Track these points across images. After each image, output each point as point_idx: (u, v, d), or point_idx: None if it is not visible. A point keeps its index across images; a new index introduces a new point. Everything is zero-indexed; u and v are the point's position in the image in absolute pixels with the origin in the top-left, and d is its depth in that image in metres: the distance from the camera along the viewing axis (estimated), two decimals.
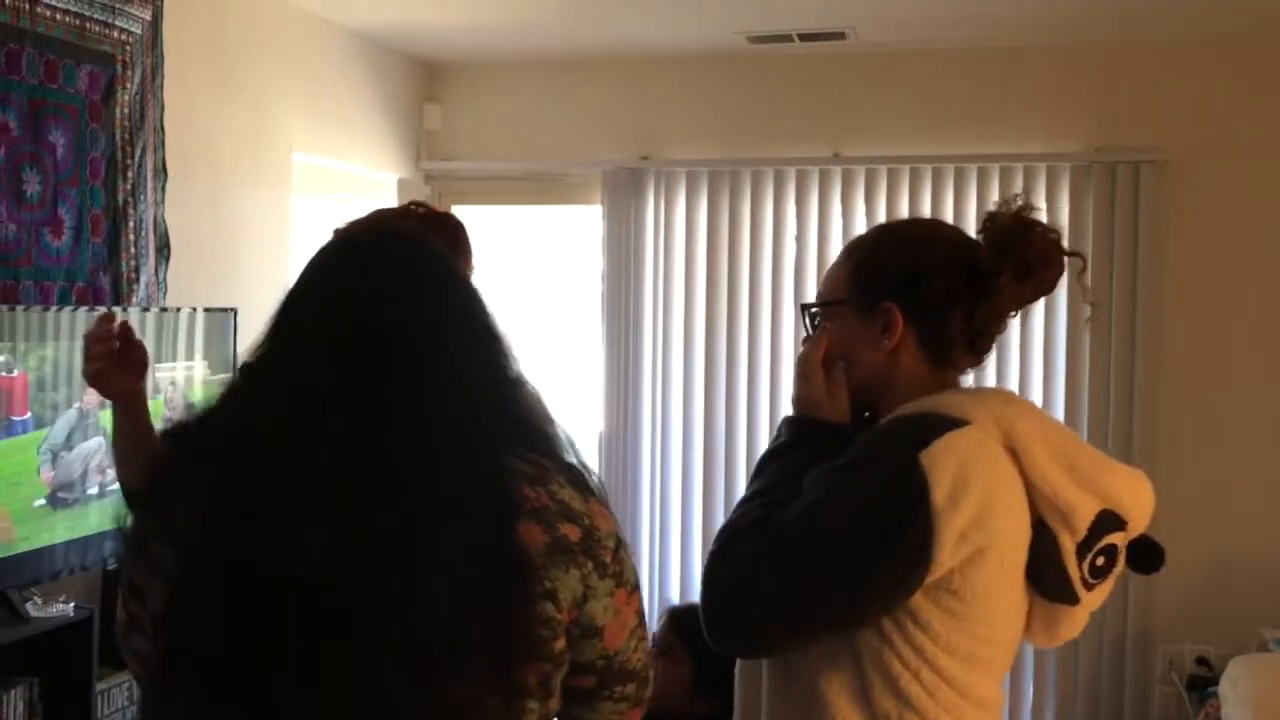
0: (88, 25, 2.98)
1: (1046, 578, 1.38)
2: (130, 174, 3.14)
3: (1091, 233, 4.17)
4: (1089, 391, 4.18)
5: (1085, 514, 1.35)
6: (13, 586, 2.62)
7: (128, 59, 3.12)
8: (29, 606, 2.65)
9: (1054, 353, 4.23)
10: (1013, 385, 4.25)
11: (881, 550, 1.29)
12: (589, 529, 1.22)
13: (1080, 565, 1.37)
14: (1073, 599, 1.40)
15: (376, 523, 1.15)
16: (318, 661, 1.14)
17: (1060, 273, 1.46)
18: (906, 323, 1.41)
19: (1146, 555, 1.43)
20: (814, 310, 1.50)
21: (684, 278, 4.49)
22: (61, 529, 2.72)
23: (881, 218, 4.32)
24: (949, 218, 4.29)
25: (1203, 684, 3.93)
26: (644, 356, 4.52)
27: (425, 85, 4.76)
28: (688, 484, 4.51)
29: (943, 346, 1.43)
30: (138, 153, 3.17)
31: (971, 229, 4.61)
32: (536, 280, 4.88)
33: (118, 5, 3.07)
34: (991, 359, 4.74)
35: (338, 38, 4.18)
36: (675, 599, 4.48)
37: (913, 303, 1.41)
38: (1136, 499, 1.40)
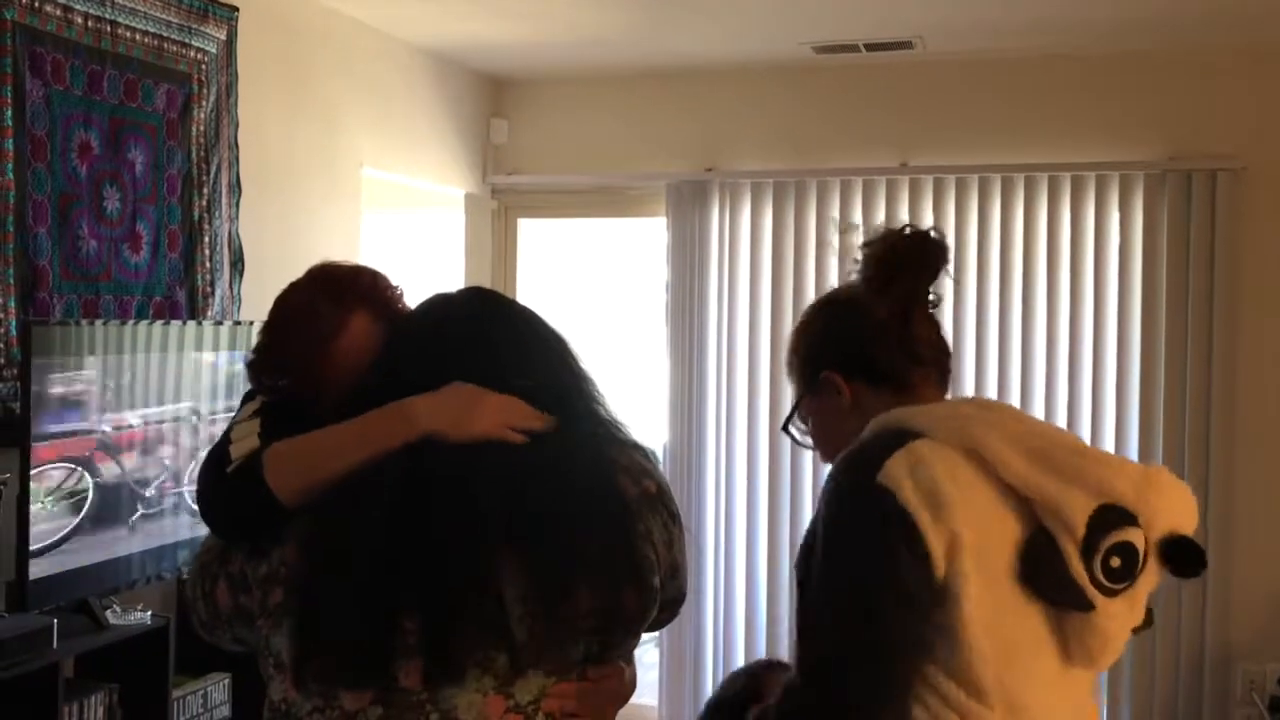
0: (165, 45, 3.05)
1: (1045, 580, 1.33)
2: (205, 190, 3.21)
3: (1166, 241, 4.09)
4: (1164, 402, 4.08)
5: (1076, 509, 1.31)
6: (93, 594, 2.68)
7: (203, 78, 3.19)
8: (108, 615, 2.72)
9: (1128, 364, 4.15)
10: (1085, 397, 4.18)
11: (890, 573, 1.30)
12: (660, 484, 1.50)
13: (1090, 567, 1.32)
14: (1083, 604, 1.33)
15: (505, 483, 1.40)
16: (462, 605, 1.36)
17: (935, 255, 1.50)
18: (846, 378, 1.49)
19: (1179, 555, 1.35)
20: (793, 422, 1.57)
21: (749, 289, 4.47)
22: (138, 539, 2.78)
23: (951, 227, 4.28)
24: (1018, 228, 4.24)
25: None
26: (709, 368, 4.51)
27: (492, 100, 4.81)
28: (753, 496, 4.49)
29: (891, 377, 1.48)
30: (213, 169, 3.24)
31: (1042, 240, 4.53)
32: (602, 292, 4.90)
33: (194, 25, 3.14)
34: (1063, 373, 4.62)
35: (406, 54, 4.24)
36: (740, 611, 4.46)
37: (839, 361, 1.50)
38: (1144, 493, 1.33)
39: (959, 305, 4.28)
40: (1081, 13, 3.73)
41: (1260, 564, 4.04)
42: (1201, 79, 4.11)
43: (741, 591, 4.49)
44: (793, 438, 1.59)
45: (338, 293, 1.57)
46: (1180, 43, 4.05)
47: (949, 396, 1.52)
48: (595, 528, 1.41)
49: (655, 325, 4.62)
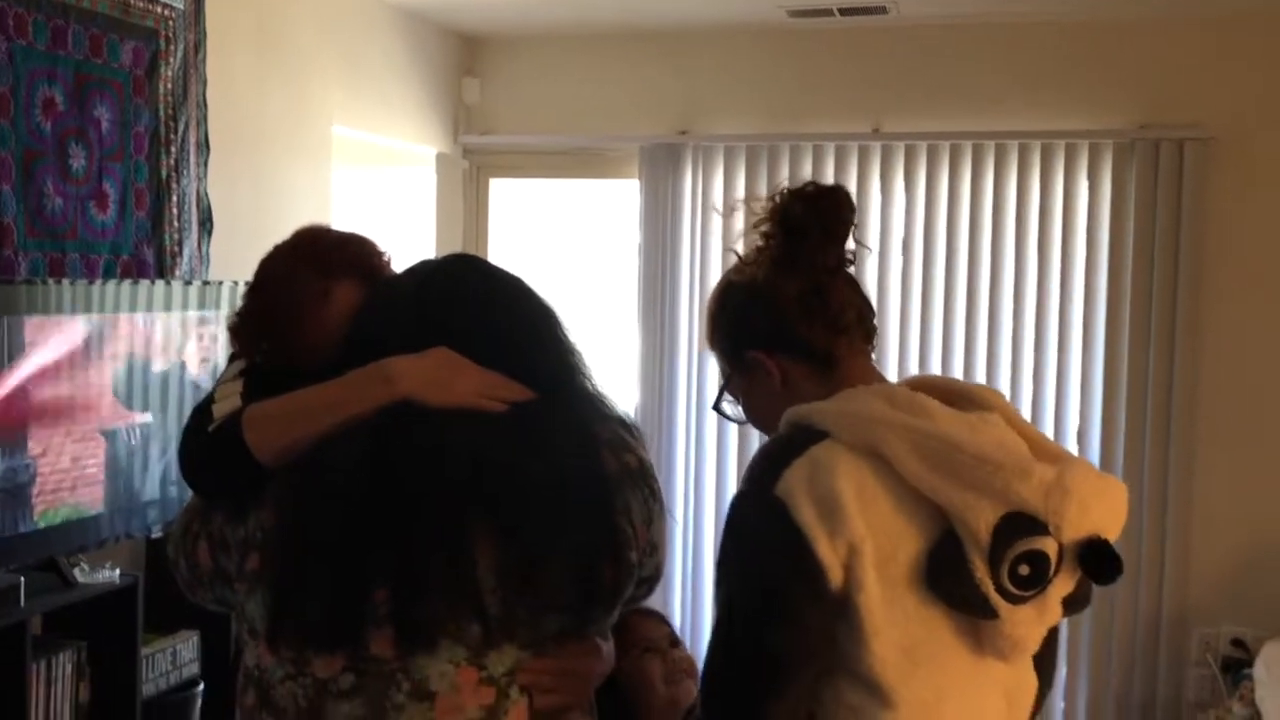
0: (132, 1, 3.01)
1: (949, 587, 1.30)
2: (173, 148, 3.18)
3: (1134, 211, 4.12)
4: (1128, 370, 4.14)
5: (980, 518, 1.27)
6: (60, 553, 2.68)
7: (171, 34, 3.15)
8: (76, 573, 2.72)
9: (1093, 332, 4.20)
10: (1050, 365, 4.23)
11: (778, 592, 1.30)
12: (642, 460, 1.49)
13: (996, 575, 1.28)
14: (988, 612, 1.30)
15: (488, 449, 1.40)
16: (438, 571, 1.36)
17: (837, 217, 1.44)
18: (773, 356, 1.45)
19: (1094, 561, 1.32)
20: (723, 400, 1.54)
21: (720, 254, 4.48)
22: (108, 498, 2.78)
23: (921, 195, 4.30)
24: (988, 196, 4.26)
25: (1238, 666, 3.91)
26: (680, 331, 4.53)
27: (464, 59, 4.77)
28: (722, 461, 4.52)
29: (814, 352, 1.44)
30: (181, 127, 3.21)
31: (1011, 208, 4.53)
32: (573, 254, 4.89)
33: None
34: (1029, 341, 4.67)
35: (377, 11, 4.20)
36: (707, 579, 4.50)
37: (761, 339, 1.45)
38: (1054, 501, 1.28)
39: (928, 274, 4.31)
40: None
41: (1221, 530, 4.11)
42: (1172, 48, 4.13)
43: (709, 558, 4.53)
44: (725, 416, 1.56)
45: (323, 262, 1.57)
46: (1152, 11, 4.06)
47: (888, 375, 1.49)
48: (573, 501, 1.41)
49: (627, 288, 4.63)
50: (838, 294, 1.44)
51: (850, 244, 1.47)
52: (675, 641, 2.10)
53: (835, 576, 1.29)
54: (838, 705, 1.33)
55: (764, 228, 1.47)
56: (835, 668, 1.33)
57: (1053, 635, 1.44)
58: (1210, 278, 4.09)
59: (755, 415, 1.52)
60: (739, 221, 4.41)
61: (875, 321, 1.49)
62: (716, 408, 1.56)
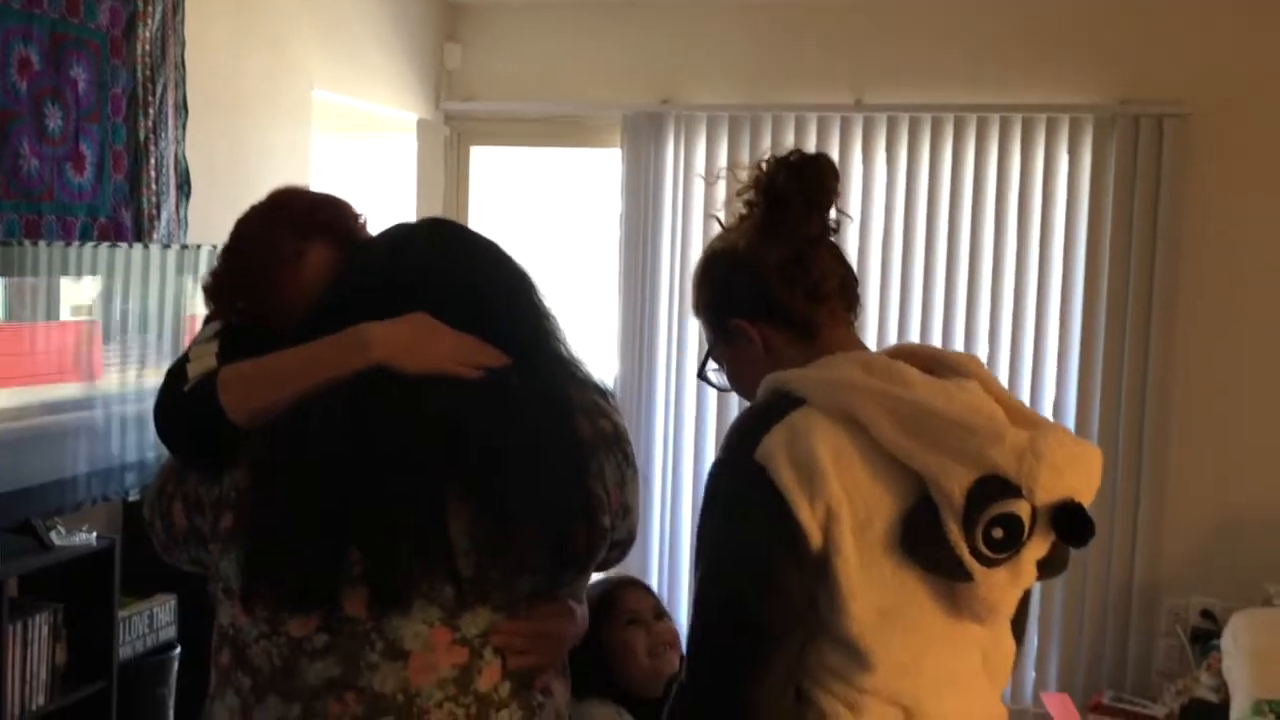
0: None
1: (924, 550, 1.32)
2: (151, 110, 3.15)
3: (1114, 184, 4.14)
4: (1105, 344, 4.17)
5: (954, 482, 1.29)
6: (37, 515, 2.67)
7: None
8: (53, 535, 2.71)
9: (1071, 304, 4.23)
10: (1028, 337, 4.26)
11: (761, 556, 1.31)
12: (617, 425, 1.51)
13: (970, 537, 1.30)
14: (962, 574, 1.32)
15: (463, 416, 1.41)
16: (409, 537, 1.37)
17: (820, 186, 1.45)
18: (756, 324, 1.46)
19: (1067, 524, 1.33)
20: (707, 368, 1.56)
21: (702, 224, 4.48)
22: (84, 459, 2.77)
23: (902, 168, 4.31)
24: (969, 170, 4.27)
25: (1206, 636, 3.97)
26: (660, 300, 4.53)
27: (446, 24, 4.74)
28: (701, 430, 4.54)
29: (796, 321, 1.45)
30: (159, 89, 3.18)
31: (991, 182, 4.51)
32: (554, 223, 4.88)
33: None
34: (1007, 313, 4.70)
35: None
36: (686, 544, 4.53)
37: (743, 309, 1.46)
38: (1027, 465, 1.30)
39: (908, 246, 4.33)
40: None
41: (1191, 502, 4.16)
42: (1153, 24, 4.14)
43: (687, 525, 4.56)
44: (710, 383, 1.57)
45: (298, 223, 1.56)
46: None
47: (868, 344, 1.50)
48: (547, 465, 1.42)
49: (608, 257, 4.63)
50: (820, 262, 1.45)
51: (834, 213, 1.48)
52: (660, 614, 2.12)
53: (815, 540, 1.31)
54: (820, 668, 1.35)
55: (747, 195, 1.47)
56: (817, 634, 1.34)
57: (1025, 596, 1.46)
58: (1187, 252, 4.12)
59: (738, 382, 1.53)
60: (721, 191, 4.42)
61: (859, 291, 1.50)
62: (701, 375, 1.57)
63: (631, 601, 2.07)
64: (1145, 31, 4.15)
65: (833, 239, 1.48)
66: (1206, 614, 4.07)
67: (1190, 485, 4.17)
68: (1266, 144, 4.08)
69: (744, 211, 1.48)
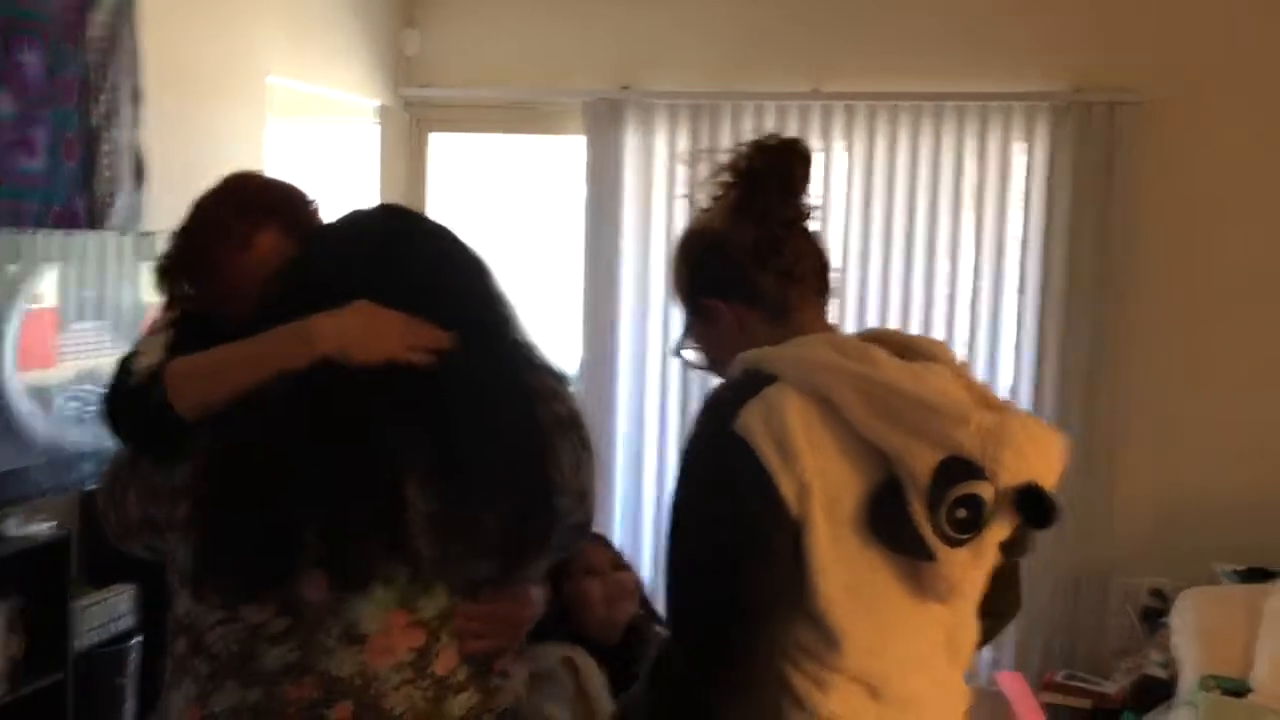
0: None
1: (889, 529, 1.35)
2: (104, 97, 3.12)
3: (1071, 172, 4.19)
4: (1059, 330, 4.23)
5: (919, 462, 1.32)
6: None
7: None
8: (8, 525, 2.69)
9: (1027, 291, 4.28)
10: (984, 324, 4.31)
11: (745, 525, 1.33)
12: (572, 410, 1.52)
13: (935, 518, 1.33)
14: (925, 553, 1.34)
15: (422, 400, 1.42)
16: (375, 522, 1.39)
17: (793, 170, 1.47)
18: (730, 303, 1.48)
19: (1030, 506, 1.36)
20: (685, 345, 1.57)
21: (665, 212, 4.49)
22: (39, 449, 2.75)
23: (860, 158, 4.34)
24: (925, 157, 4.31)
25: (1155, 615, 4.04)
26: (623, 287, 4.54)
27: (404, 9, 4.70)
28: (664, 413, 4.56)
29: (768, 302, 1.47)
30: (112, 75, 3.14)
31: (948, 169, 4.51)
32: (517, 210, 4.87)
33: None
34: (964, 294, 4.72)
35: None
36: (648, 529, 4.55)
37: (719, 287, 1.48)
38: (990, 447, 1.32)
39: (866, 233, 4.36)
40: None
41: (1143, 485, 4.24)
42: (1106, 12, 4.19)
43: (649, 511, 4.58)
44: (685, 361, 1.59)
45: (247, 206, 1.56)
46: None
47: (835, 324, 1.53)
48: (503, 449, 1.43)
49: (571, 244, 4.63)
50: (794, 245, 1.48)
51: (810, 198, 1.50)
52: (620, 565, 2.16)
53: (794, 511, 1.33)
54: (792, 646, 1.37)
55: (724, 176, 1.49)
56: (792, 610, 1.36)
57: (1012, 570, 1.51)
58: (1141, 238, 4.17)
59: (712, 360, 1.55)
60: (680, 177, 4.43)
61: (830, 277, 1.52)
62: (677, 353, 1.59)
63: (589, 554, 2.10)
64: (1098, 19, 4.20)
65: (808, 225, 1.51)
66: (1156, 593, 4.14)
67: (1141, 468, 4.24)
68: (1219, 131, 4.14)
69: (719, 193, 1.51)
